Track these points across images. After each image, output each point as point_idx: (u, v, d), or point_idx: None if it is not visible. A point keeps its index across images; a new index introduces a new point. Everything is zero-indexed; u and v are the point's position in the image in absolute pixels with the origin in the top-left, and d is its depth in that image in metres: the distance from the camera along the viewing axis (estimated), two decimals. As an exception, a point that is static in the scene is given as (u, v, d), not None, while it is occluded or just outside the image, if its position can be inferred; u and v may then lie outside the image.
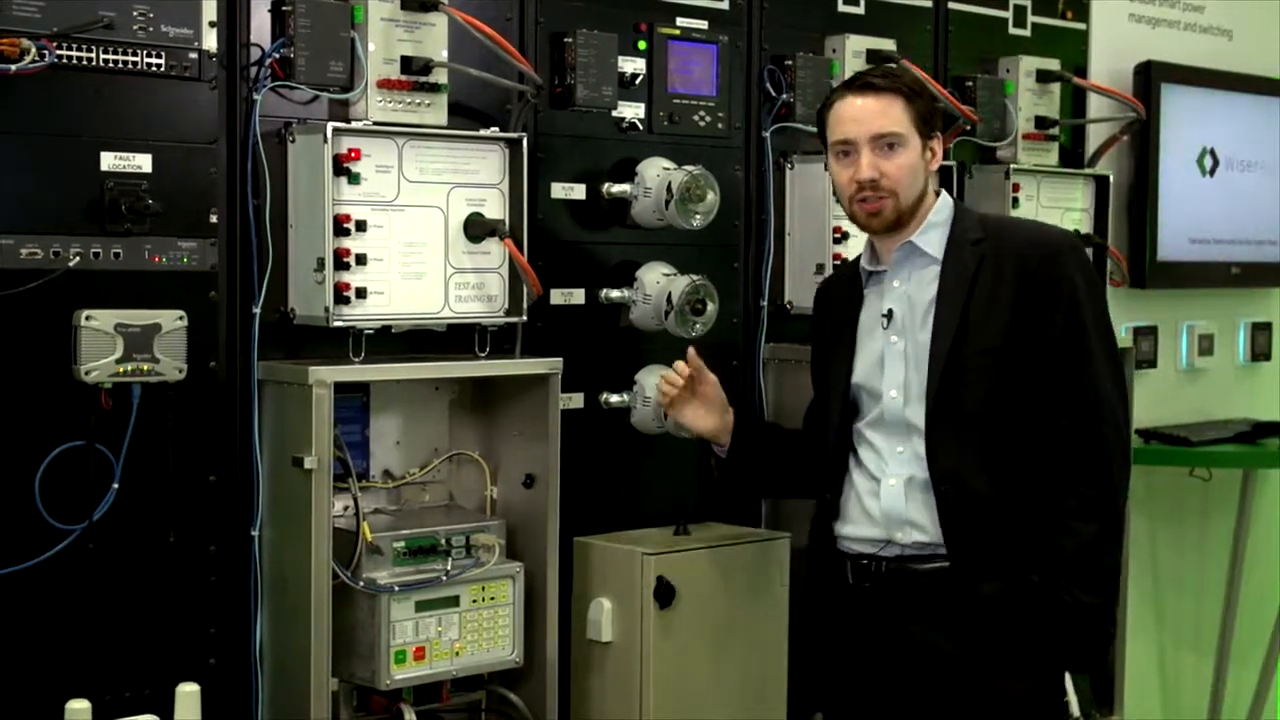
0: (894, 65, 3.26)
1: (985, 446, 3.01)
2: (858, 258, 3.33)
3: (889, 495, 3.08)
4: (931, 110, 3.14)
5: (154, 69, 3.17)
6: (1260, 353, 5.85)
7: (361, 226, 3.35)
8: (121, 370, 3.08)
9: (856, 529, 3.14)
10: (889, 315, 3.12)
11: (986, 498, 3.00)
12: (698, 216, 3.84)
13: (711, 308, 3.86)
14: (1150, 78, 5.23)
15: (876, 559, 3.09)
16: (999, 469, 3.01)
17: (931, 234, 3.13)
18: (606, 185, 3.89)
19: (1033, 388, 3.02)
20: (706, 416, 3.48)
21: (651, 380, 3.90)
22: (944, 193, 3.20)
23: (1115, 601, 3.05)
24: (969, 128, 4.52)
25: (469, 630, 3.48)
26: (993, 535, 3.00)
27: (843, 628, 3.17)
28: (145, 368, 3.11)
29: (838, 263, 4.16)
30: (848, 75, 4.22)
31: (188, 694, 3.11)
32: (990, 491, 3.00)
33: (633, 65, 3.92)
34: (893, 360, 3.11)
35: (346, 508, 3.40)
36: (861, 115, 3.08)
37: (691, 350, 3.51)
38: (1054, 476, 3.00)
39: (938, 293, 3.07)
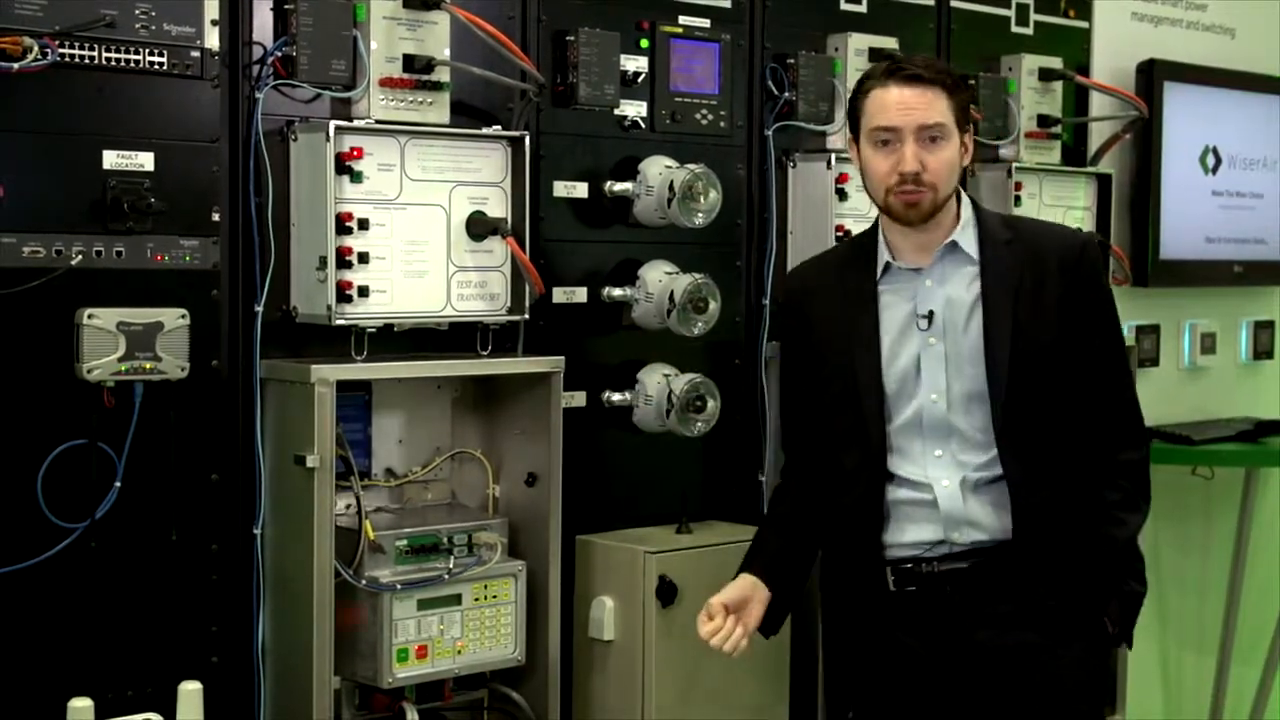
0: (929, 56, 3.16)
1: (1043, 444, 3.03)
2: (834, 250, 3.33)
3: (947, 497, 3.02)
4: (968, 105, 3.09)
5: (156, 67, 3.17)
6: (1262, 351, 5.85)
7: (364, 225, 3.35)
8: (124, 369, 3.09)
9: (901, 535, 3.06)
10: (929, 316, 3.04)
11: (1048, 494, 3.03)
12: (700, 215, 3.84)
13: (713, 306, 3.86)
14: (1153, 76, 5.23)
15: (923, 561, 3.04)
16: (1054, 463, 3.04)
17: (968, 232, 3.08)
18: (609, 184, 3.89)
19: (1074, 384, 3.05)
20: (753, 612, 3.17)
21: (653, 379, 3.90)
22: (962, 190, 3.14)
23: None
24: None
25: (471, 628, 3.49)
26: (1059, 525, 3.03)
27: (880, 635, 3.09)
28: (147, 366, 3.11)
29: (840, 261, 4.17)
30: (849, 74, 4.25)
31: (190, 692, 3.11)
32: (1051, 487, 3.03)
33: (635, 63, 3.92)
34: (932, 363, 3.03)
35: (349, 506, 3.40)
36: (908, 105, 2.98)
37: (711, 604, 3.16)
38: (1101, 467, 3.07)
39: (982, 295, 3.03)
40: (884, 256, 3.09)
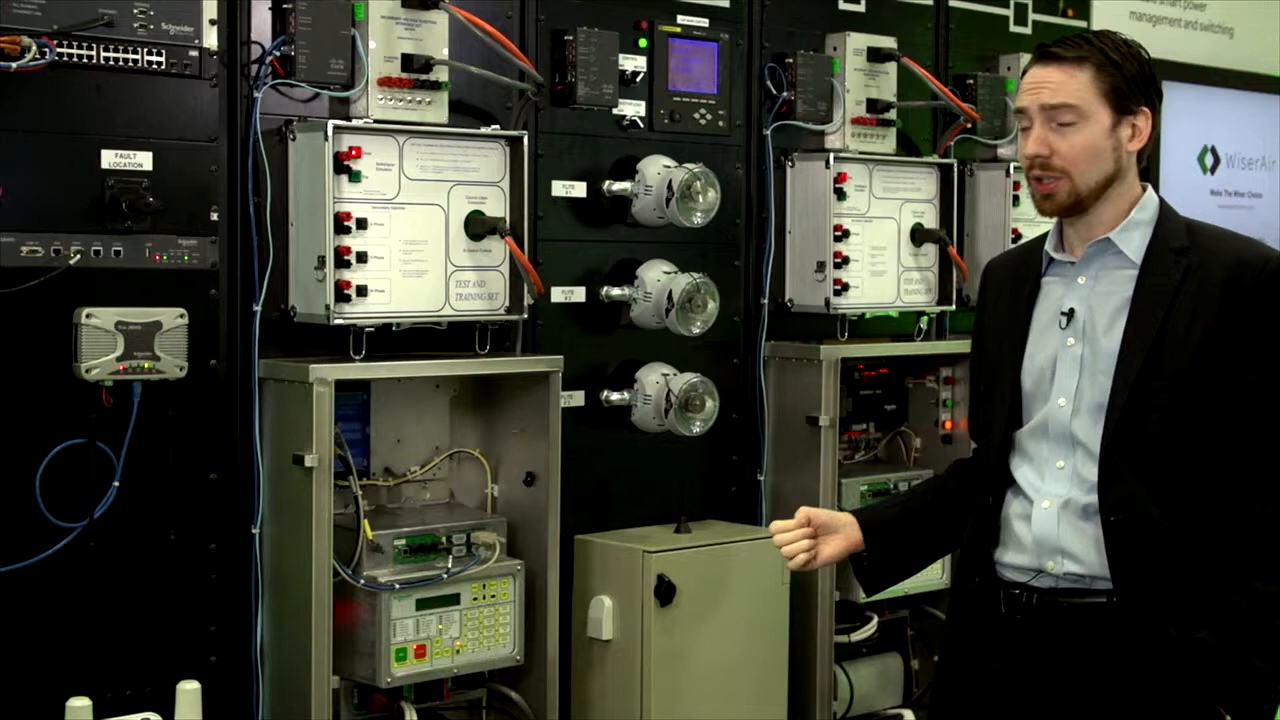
0: (1100, 32, 2.85)
1: (1163, 476, 2.70)
2: (1038, 237, 2.97)
3: (1041, 519, 2.74)
4: (1134, 81, 2.76)
5: (155, 67, 3.17)
6: (1261, 351, 5.85)
7: (362, 224, 3.35)
8: (122, 368, 3.08)
9: (1008, 554, 2.80)
10: (1069, 314, 2.78)
11: (1161, 529, 2.68)
12: (698, 214, 3.84)
13: (712, 306, 3.86)
14: (1151, 75, 5.23)
15: (1028, 589, 2.76)
16: (1175, 501, 2.69)
17: (1133, 234, 2.77)
18: (607, 183, 3.89)
19: (1221, 419, 2.70)
20: (832, 544, 2.98)
21: (652, 379, 3.90)
22: (1150, 189, 2.82)
23: None
24: (970, 125, 4.52)
25: (470, 628, 3.49)
26: (1165, 570, 2.69)
27: (992, 659, 2.82)
28: (146, 366, 3.11)
29: (838, 260, 4.17)
30: (848, 73, 4.25)
31: (188, 692, 3.11)
32: (1165, 523, 2.68)
33: (633, 63, 3.92)
34: (1066, 365, 2.77)
35: (347, 505, 3.40)
36: (1038, 84, 2.75)
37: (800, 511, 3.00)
38: (1234, 522, 2.71)
39: (1132, 301, 2.73)
40: (1049, 247, 2.85)
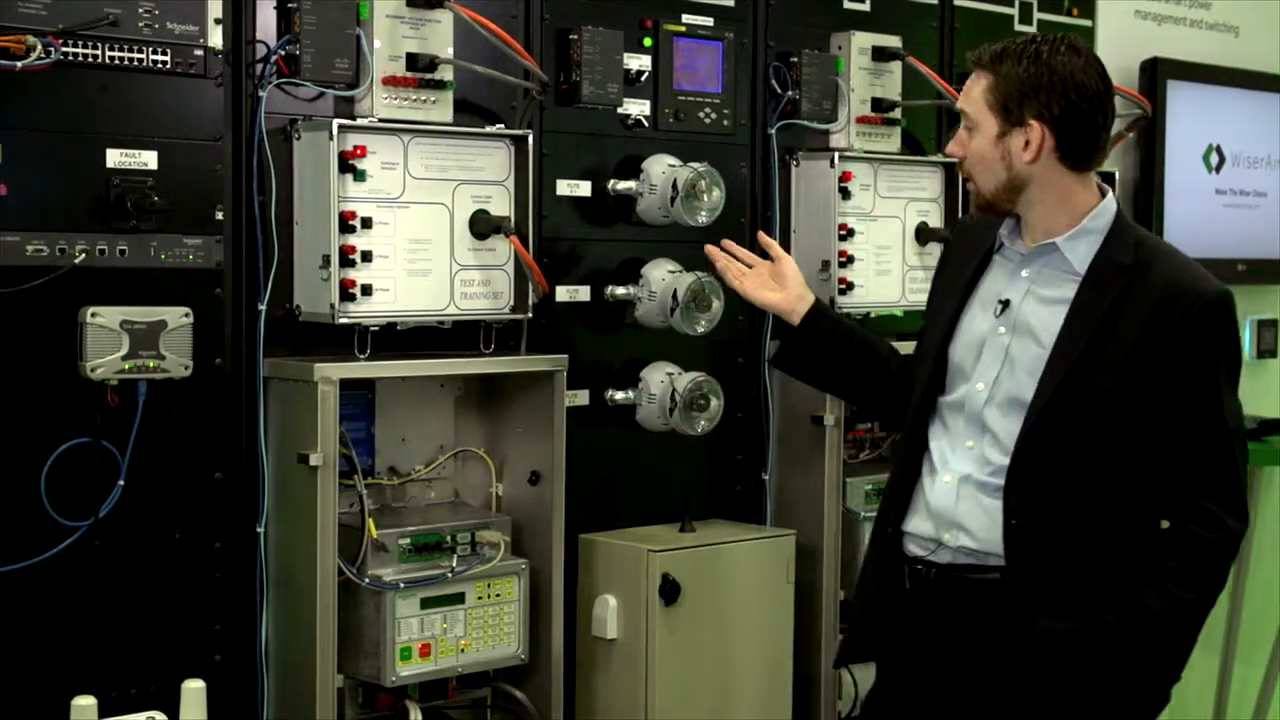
0: (1029, 36, 2.85)
1: (1073, 489, 2.77)
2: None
3: (941, 492, 2.84)
4: (1026, 93, 2.75)
5: (160, 66, 3.17)
6: (1266, 350, 5.85)
7: (367, 223, 3.35)
8: (127, 367, 3.09)
9: (914, 520, 2.89)
10: (1005, 304, 2.84)
11: (1063, 542, 2.77)
12: (703, 213, 3.84)
13: (717, 305, 3.86)
14: (1156, 74, 5.22)
15: (928, 564, 2.86)
16: (1082, 512, 2.77)
17: (1081, 242, 2.81)
18: (612, 182, 3.89)
19: (1141, 439, 2.76)
20: (770, 294, 3.17)
21: (656, 378, 3.90)
22: (1110, 196, 2.85)
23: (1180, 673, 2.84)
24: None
25: (474, 627, 3.49)
26: (1063, 573, 2.77)
27: (903, 632, 2.92)
28: (151, 365, 3.11)
29: (843, 259, 4.17)
30: (853, 72, 4.26)
31: (193, 690, 3.11)
32: (1068, 536, 2.77)
33: (638, 62, 3.92)
34: (992, 352, 2.84)
35: (352, 504, 3.41)
36: (962, 89, 2.87)
37: (761, 235, 3.33)
38: (1158, 531, 2.80)
39: (1069, 312, 2.78)
40: (1003, 230, 2.90)
